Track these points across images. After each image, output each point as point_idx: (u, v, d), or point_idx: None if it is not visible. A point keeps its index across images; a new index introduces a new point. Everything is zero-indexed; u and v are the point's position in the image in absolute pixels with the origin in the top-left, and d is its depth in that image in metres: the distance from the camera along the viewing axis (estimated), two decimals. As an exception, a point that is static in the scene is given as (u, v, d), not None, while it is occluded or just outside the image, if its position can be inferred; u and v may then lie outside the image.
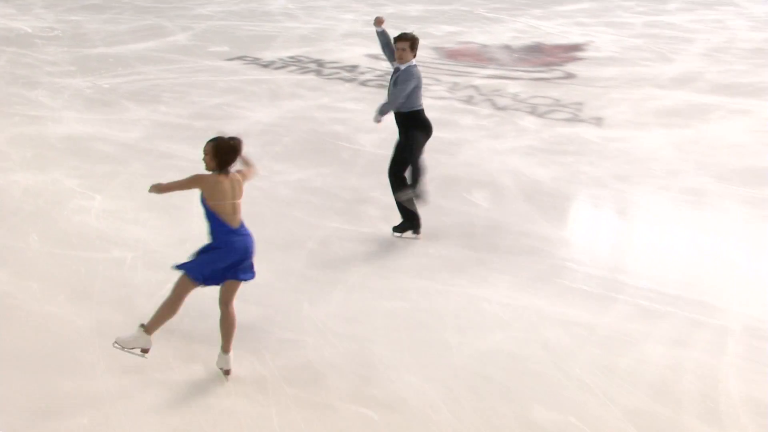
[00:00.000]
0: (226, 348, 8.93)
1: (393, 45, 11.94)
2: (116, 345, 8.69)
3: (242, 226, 8.84)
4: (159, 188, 9.04)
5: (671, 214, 12.99)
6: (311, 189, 13.36)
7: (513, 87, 17.82)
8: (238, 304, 9.66)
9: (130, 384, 8.86)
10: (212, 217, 8.68)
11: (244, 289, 9.60)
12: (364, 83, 18.24)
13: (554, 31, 22.06)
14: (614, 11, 23.77)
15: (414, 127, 11.78)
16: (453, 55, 19.89)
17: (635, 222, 12.97)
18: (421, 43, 20.28)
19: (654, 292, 10.74)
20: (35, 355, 9.30)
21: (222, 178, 8.63)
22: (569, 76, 18.73)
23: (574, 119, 16.26)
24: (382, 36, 12.21)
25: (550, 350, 9.64)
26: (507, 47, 20.41)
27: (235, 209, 8.75)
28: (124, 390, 8.75)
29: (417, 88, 11.70)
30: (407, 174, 11.79)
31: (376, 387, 8.88)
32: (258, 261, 10.88)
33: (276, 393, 8.63)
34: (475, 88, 17.80)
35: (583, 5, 24.45)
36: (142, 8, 25.47)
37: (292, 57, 20.15)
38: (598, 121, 16.15)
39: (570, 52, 20.37)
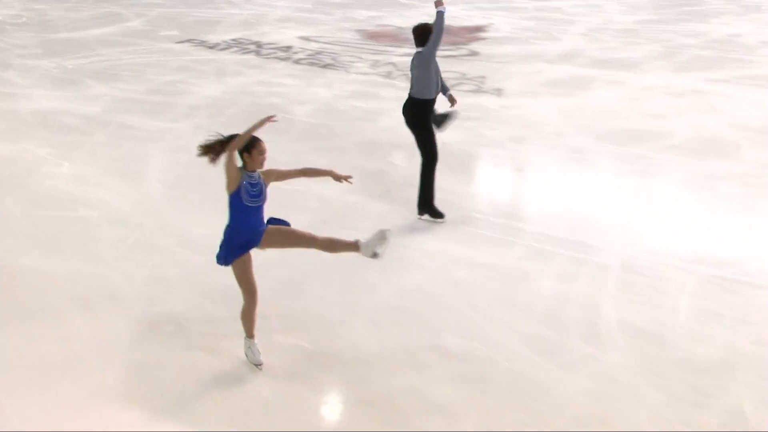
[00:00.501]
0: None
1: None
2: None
3: None
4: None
5: (559, 169, 13.13)
6: (253, 153, 13.32)
7: (425, 63, 17.83)
8: (185, 253, 9.77)
9: (97, 323, 8.88)
10: None
11: (190, 238, 9.67)
12: (297, 62, 18.18)
13: (460, 15, 22.07)
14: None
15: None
16: (373, 36, 19.87)
17: (529, 177, 13.11)
18: (345, 26, 20.46)
19: (545, 236, 10.89)
20: (11, 301, 9.29)
21: None
22: (473, 53, 18.79)
23: (478, 90, 16.33)
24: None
25: (459, 287, 9.76)
26: (419, 29, 20.40)
27: None
28: (92, 330, 8.77)
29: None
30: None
31: (311, 323, 8.96)
32: (206, 214, 10.99)
33: (224, 328, 8.67)
34: (393, 64, 17.81)
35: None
36: (101, -2, 25.20)
37: (234, 39, 20.02)
38: (498, 92, 16.23)
39: (473, 33, 20.40)
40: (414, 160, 13.12)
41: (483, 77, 17.00)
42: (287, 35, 20.11)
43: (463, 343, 8.71)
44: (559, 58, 18.42)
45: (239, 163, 8.04)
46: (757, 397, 8.00)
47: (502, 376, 8.21)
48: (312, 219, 11.28)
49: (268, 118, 8.03)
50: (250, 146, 8.08)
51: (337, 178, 8.47)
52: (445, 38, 19.33)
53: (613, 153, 13.48)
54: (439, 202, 11.55)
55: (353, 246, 8.17)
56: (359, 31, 20.26)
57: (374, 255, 8.15)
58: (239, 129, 13.61)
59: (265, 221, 8.29)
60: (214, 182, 12.13)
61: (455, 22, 21.13)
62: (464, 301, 9.51)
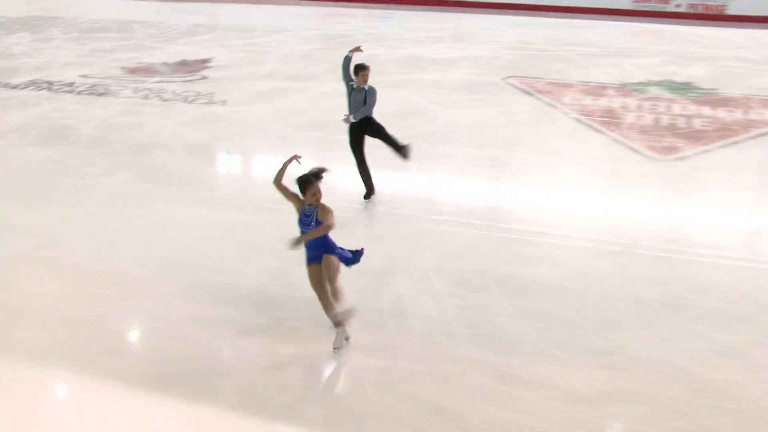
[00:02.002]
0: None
1: (352, 71, 10.49)
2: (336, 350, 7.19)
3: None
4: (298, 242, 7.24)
5: (272, 152, 13.05)
6: (54, 161, 12.47)
7: (172, 87, 17.20)
8: (9, 236, 9.07)
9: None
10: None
11: (12, 226, 8.95)
12: (79, 93, 17.06)
13: (193, 51, 21.39)
14: (226, 38, 23.28)
15: (372, 126, 10.73)
16: (134, 70, 18.98)
17: (253, 155, 13.00)
18: (113, 65, 19.44)
19: (266, 197, 10.73)
20: None
21: None
22: (204, 77, 18.27)
23: (210, 103, 15.92)
24: (348, 61, 10.62)
25: (212, 238, 9.59)
26: (165, 63, 19.69)
27: None
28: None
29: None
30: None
31: (116, 271, 8.59)
32: (23, 207, 10.22)
33: (49, 287, 8.16)
34: (149, 89, 17.06)
35: (207, 36, 23.85)
36: (-74, 57, 22.80)
37: (31, 80, 18.53)
38: (223, 102, 15.88)
39: (203, 63, 19.85)
40: (172, 155, 12.73)
41: (212, 93, 16.59)
42: (71, 74, 18.82)
43: (219, 278, 8.58)
44: (263, 77, 18.19)
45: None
46: (410, 286, 8.33)
47: (248, 295, 8.18)
48: (107, 201, 10.75)
49: (294, 158, 7.62)
50: (305, 188, 7.28)
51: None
52: (181, 68, 18.76)
53: (307, 137, 13.51)
54: (191, 183, 11.30)
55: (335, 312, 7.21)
56: (123, 68, 19.27)
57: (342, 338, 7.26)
58: (42, 144, 12.89)
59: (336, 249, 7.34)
60: (26, 182, 11.47)
61: (189, 56, 20.51)
62: (215, 247, 9.34)
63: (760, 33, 24.45)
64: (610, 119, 14.57)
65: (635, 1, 27.53)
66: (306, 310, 7.83)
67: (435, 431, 6.24)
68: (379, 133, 10.86)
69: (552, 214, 10.38)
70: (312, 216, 7.28)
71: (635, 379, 6.87)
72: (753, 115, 14.88)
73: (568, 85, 17.21)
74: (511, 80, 17.63)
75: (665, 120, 14.57)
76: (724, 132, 13.85)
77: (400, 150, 10.84)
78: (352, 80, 10.58)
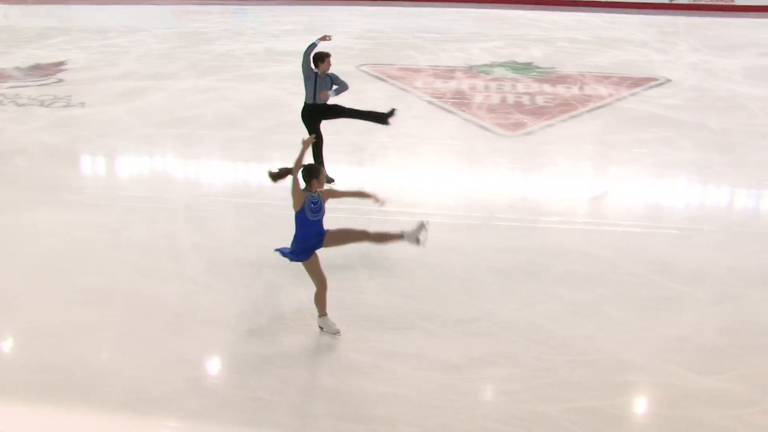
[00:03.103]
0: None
1: (313, 59, 10.31)
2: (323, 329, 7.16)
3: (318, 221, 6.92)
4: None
5: (133, 151, 12.57)
6: None
7: (27, 91, 16.26)
8: None
9: None
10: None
11: None
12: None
13: (46, 55, 20.30)
14: (81, 40, 22.21)
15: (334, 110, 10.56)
16: (-16, 77, 17.90)
17: (116, 156, 12.47)
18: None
19: (133, 197, 10.48)
20: None
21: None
22: (60, 80, 17.40)
23: (68, 105, 15.17)
24: (313, 48, 10.38)
25: (81, 241, 9.16)
26: (18, 68, 18.62)
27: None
28: None
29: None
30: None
31: None
32: None
33: None
34: (3, 95, 16.09)
35: (61, 38, 22.68)
36: None
37: None
38: (82, 105, 15.18)
39: (58, 66, 18.89)
40: (32, 161, 12.09)
41: (70, 96, 15.81)
42: None
43: (91, 279, 8.21)
44: (121, 77, 17.47)
45: (302, 186, 6.86)
46: (281, 273, 8.17)
47: (122, 295, 7.86)
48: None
49: (306, 141, 6.95)
50: (318, 175, 6.90)
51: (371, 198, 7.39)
52: (35, 72, 17.84)
53: (169, 134, 13.10)
54: (55, 188, 10.75)
55: (398, 236, 7.18)
56: (-28, 74, 18.16)
57: (417, 241, 7.14)
58: None
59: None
60: None
61: (43, 60, 19.46)
62: (85, 250, 8.93)
63: (588, 16, 25.64)
64: (461, 100, 14.91)
65: (476, -11, 28.25)
66: (181, 305, 7.64)
67: (317, 411, 6.22)
68: (346, 113, 10.70)
69: (412, 194, 10.52)
70: (319, 202, 6.93)
71: (500, 343, 7.08)
72: (588, 91, 15.60)
73: (418, 70, 17.46)
74: (364, 68, 17.72)
75: (511, 98, 15.05)
76: (565, 107, 14.45)
77: (382, 118, 10.66)
78: (311, 68, 10.39)
